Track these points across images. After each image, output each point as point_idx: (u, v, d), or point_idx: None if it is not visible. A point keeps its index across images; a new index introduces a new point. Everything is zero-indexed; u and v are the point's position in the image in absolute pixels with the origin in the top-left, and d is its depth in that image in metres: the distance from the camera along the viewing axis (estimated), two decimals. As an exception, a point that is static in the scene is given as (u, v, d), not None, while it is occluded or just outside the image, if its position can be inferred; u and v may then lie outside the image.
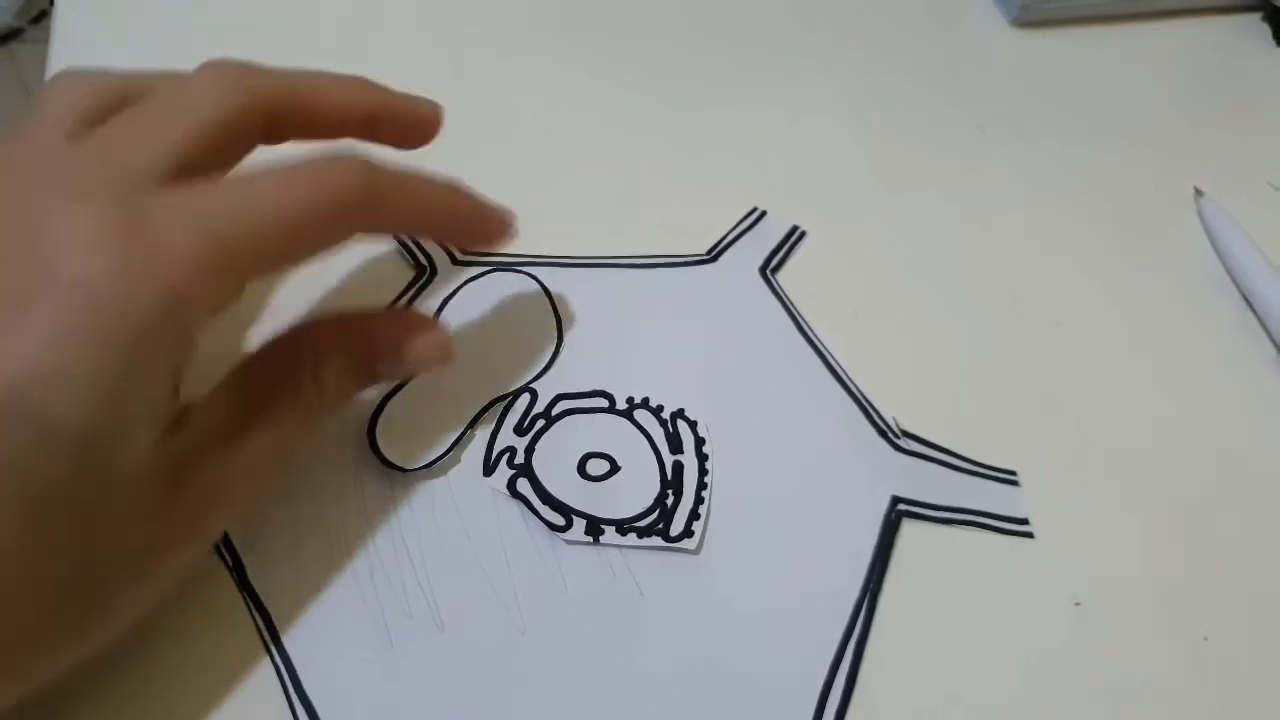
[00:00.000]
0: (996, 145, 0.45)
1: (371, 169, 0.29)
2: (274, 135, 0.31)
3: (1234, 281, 0.42)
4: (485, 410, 0.36)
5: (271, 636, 0.31)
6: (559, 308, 0.38)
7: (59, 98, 0.29)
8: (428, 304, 0.38)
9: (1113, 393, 0.39)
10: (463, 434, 0.35)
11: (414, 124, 0.34)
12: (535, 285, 0.39)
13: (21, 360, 0.23)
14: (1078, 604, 0.34)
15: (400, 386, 0.35)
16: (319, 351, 0.31)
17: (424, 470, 0.34)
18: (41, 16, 1.45)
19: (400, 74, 0.45)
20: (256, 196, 0.27)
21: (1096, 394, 0.39)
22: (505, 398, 0.36)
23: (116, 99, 0.29)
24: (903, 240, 0.42)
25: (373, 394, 0.35)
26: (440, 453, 0.34)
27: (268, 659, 0.31)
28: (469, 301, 0.38)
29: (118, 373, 0.24)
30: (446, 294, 0.38)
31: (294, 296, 0.38)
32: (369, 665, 0.31)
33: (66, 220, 0.24)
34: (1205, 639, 0.33)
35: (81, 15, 0.46)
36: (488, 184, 0.41)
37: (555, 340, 0.37)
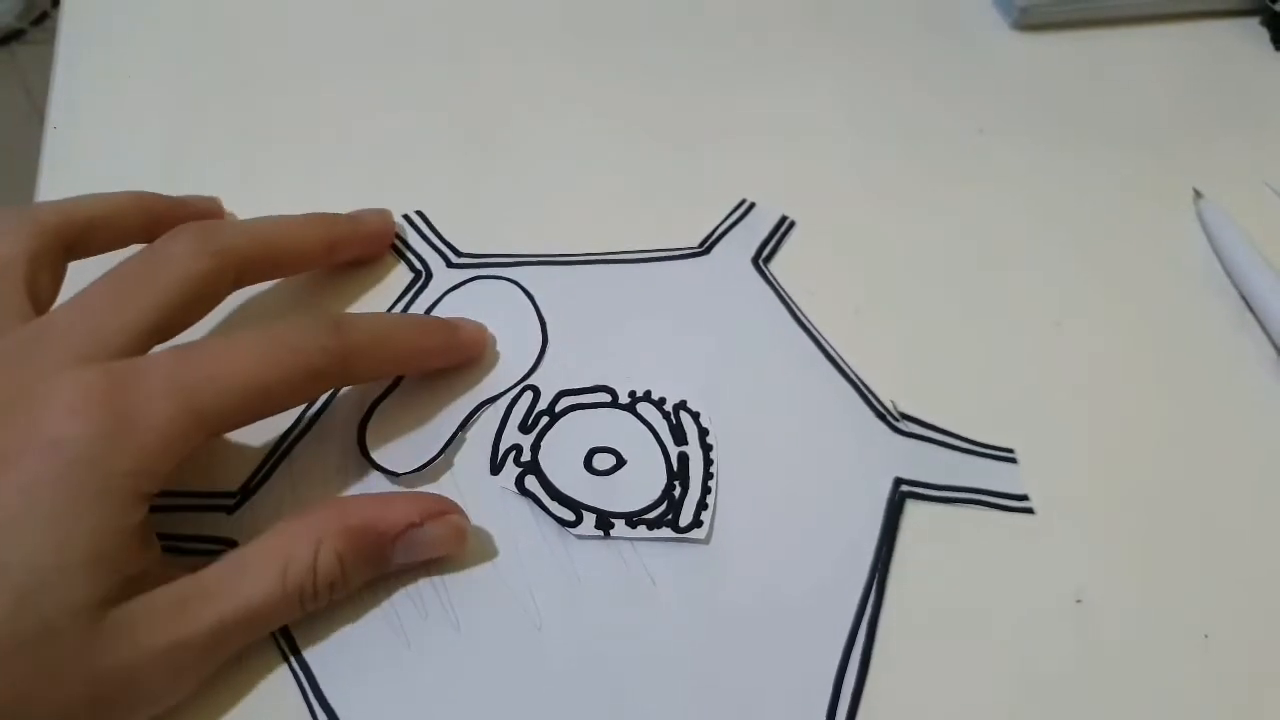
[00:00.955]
0: (996, 147, 0.46)
1: (344, 331, 0.31)
2: (245, 283, 0.34)
3: (1233, 283, 0.42)
4: (474, 413, 0.36)
5: (288, 642, 0.31)
6: (541, 309, 0.39)
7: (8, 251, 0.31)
8: (420, 309, 0.38)
9: (1113, 393, 0.39)
10: (453, 437, 0.35)
11: (369, 242, 0.39)
12: (517, 290, 0.39)
13: None
14: (1079, 601, 0.34)
15: (388, 391, 0.35)
16: (323, 535, 0.30)
17: (417, 474, 0.34)
18: (43, 18, 1.43)
19: (402, 73, 0.45)
20: (232, 366, 0.28)
21: (1097, 394, 0.39)
22: (495, 399, 0.36)
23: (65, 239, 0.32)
24: (901, 239, 0.42)
25: (360, 399, 0.35)
26: (431, 456, 0.34)
27: (285, 665, 0.31)
28: (451, 310, 0.38)
29: (74, 520, 0.25)
30: (429, 305, 0.38)
31: (294, 301, 0.38)
32: (387, 667, 0.31)
33: (55, 387, 0.26)
34: (1206, 637, 0.34)
35: (86, 17, 0.46)
36: (482, 185, 0.42)
37: (540, 341, 0.38)
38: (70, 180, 0.40)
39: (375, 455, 0.34)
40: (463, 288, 0.39)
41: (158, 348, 0.30)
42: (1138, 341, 0.41)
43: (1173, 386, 0.40)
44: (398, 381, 0.36)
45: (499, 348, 0.37)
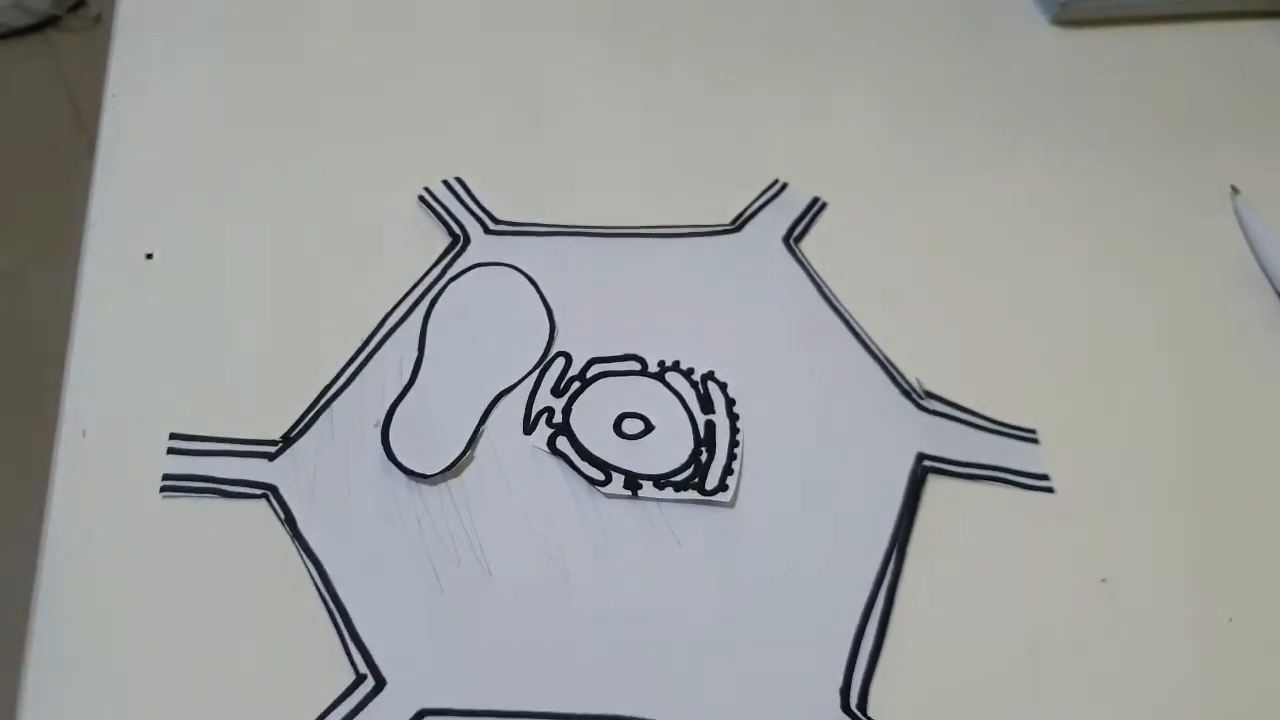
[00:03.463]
0: (1032, 140, 0.46)
1: None
2: None
3: (1268, 278, 0.43)
4: (494, 405, 0.36)
5: (325, 583, 0.32)
6: (545, 294, 0.39)
7: None
8: (456, 270, 0.39)
9: (1142, 382, 0.40)
10: (476, 431, 0.35)
11: None
12: (521, 277, 0.39)
13: None
14: (1104, 580, 0.35)
15: (405, 392, 0.36)
16: None
17: (446, 471, 0.34)
18: (80, 4, 1.45)
19: (445, 46, 0.46)
20: None
21: (1125, 382, 0.40)
22: (510, 390, 0.37)
23: None
24: (934, 226, 0.43)
25: (380, 401, 0.36)
26: (458, 453, 0.35)
27: (322, 605, 0.32)
28: (458, 301, 0.39)
29: None
30: (433, 298, 0.38)
31: (336, 261, 0.39)
32: (420, 610, 0.32)
33: None
34: (1230, 620, 0.34)
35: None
36: (521, 156, 0.43)
37: (549, 328, 0.38)
38: (128, 147, 0.42)
39: (403, 459, 0.34)
40: (465, 276, 0.39)
41: None
42: (1169, 332, 0.41)
43: (1202, 376, 0.40)
44: (413, 381, 0.36)
45: (509, 338, 0.38)
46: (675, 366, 0.38)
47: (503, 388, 0.37)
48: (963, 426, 0.38)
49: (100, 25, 1.44)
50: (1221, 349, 0.41)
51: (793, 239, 0.42)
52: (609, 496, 0.34)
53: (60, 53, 1.44)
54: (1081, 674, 0.33)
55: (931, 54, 0.49)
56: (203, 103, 0.43)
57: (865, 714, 0.32)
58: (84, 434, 0.34)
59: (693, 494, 0.35)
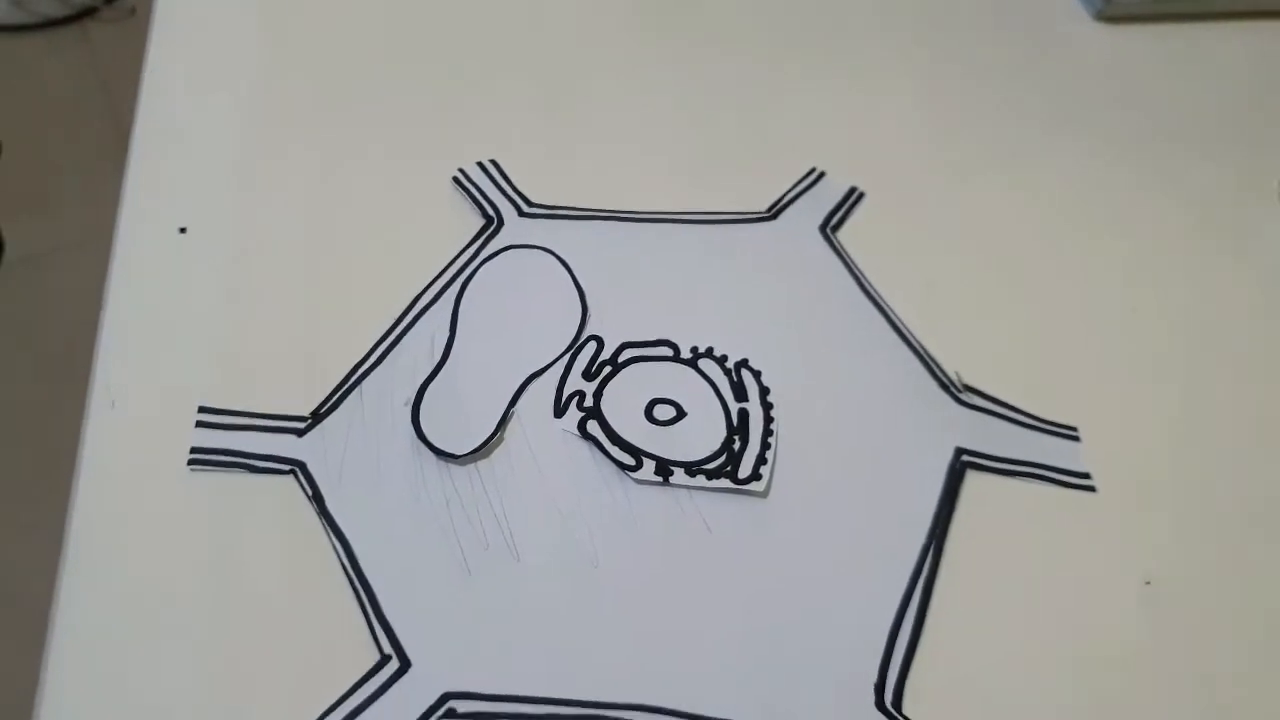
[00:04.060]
0: (1074, 135, 0.46)
1: None
2: None
3: None
4: (524, 388, 0.36)
5: (351, 562, 0.32)
6: (578, 278, 0.38)
7: None
8: (490, 251, 0.39)
9: (1185, 380, 0.39)
10: (506, 413, 0.35)
11: None
12: (554, 260, 0.39)
13: None
14: (1148, 583, 0.34)
15: (436, 372, 0.36)
16: None
17: (477, 452, 0.34)
18: None
19: (483, 44, 0.46)
20: None
21: (1168, 380, 0.39)
22: (541, 373, 0.36)
23: None
24: (974, 219, 0.43)
25: (411, 380, 0.35)
26: (488, 435, 0.34)
27: (348, 584, 0.31)
28: (490, 282, 0.38)
29: None
30: (466, 279, 0.38)
31: (369, 239, 0.39)
32: (447, 592, 0.31)
33: None
34: None
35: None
36: (557, 141, 0.43)
37: (580, 312, 0.38)
38: (164, 122, 0.41)
39: (432, 439, 0.34)
40: (498, 257, 0.39)
41: None
42: (1213, 331, 0.40)
43: (1246, 377, 0.39)
44: (444, 361, 0.36)
45: (540, 321, 0.37)
46: (708, 353, 0.37)
47: (534, 370, 0.36)
48: (1002, 422, 0.37)
49: (135, 17, 1.45)
50: (1268, 347, 0.40)
51: (829, 228, 0.41)
52: (639, 482, 0.34)
53: (96, 44, 1.45)
54: (1123, 679, 0.32)
55: (973, 48, 0.49)
56: (239, 82, 0.43)
57: (900, 712, 0.31)
58: (113, 404, 0.34)
59: (725, 482, 0.34)
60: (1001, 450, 0.36)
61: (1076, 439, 0.37)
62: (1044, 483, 0.36)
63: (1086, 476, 0.36)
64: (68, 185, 1.27)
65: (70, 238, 1.22)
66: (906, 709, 0.31)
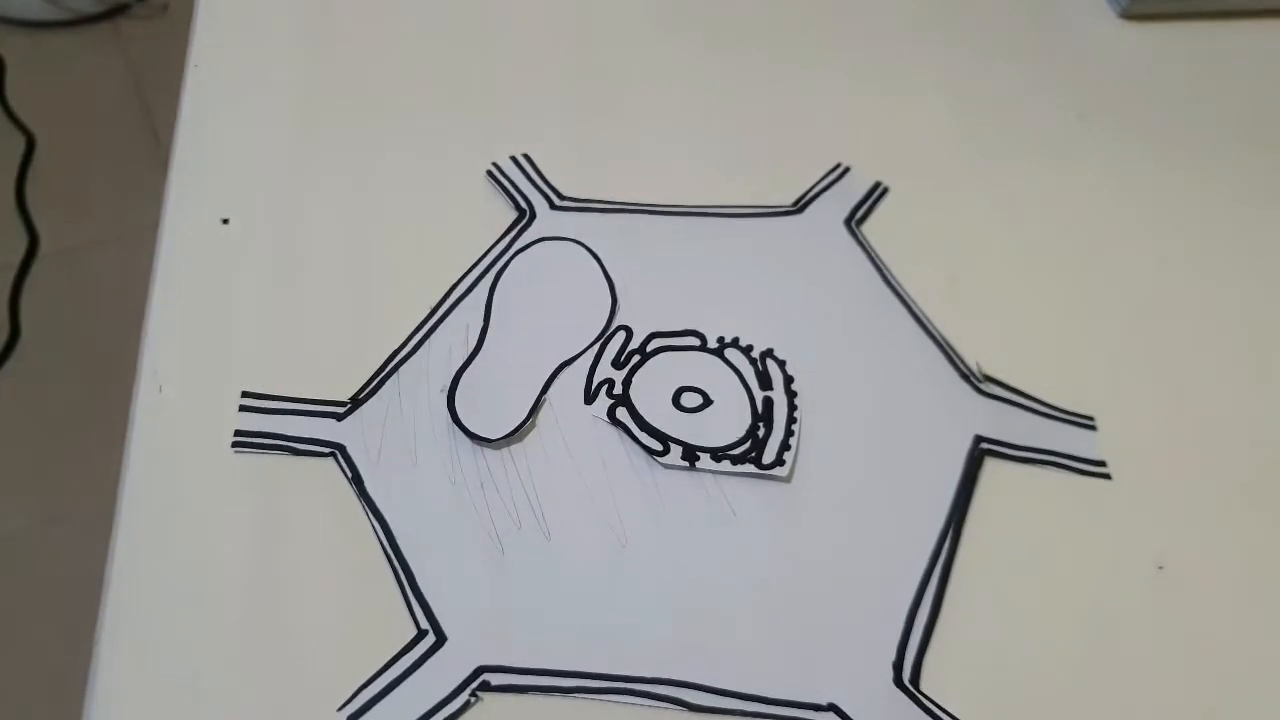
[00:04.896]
0: (1096, 134, 0.46)
1: None
2: None
3: None
4: (555, 375, 0.37)
5: (389, 541, 0.33)
6: (608, 269, 0.39)
7: None
8: (522, 243, 0.40)
9: (1203, 374, 0.39)
10: (538, 400, 0.36)
11: None
12: (584, 252, 0.40)
13: None
14: (1161, 568, 0.35)
15: (470, 360, 0.37)
16: None
17: (510, 437, 0.35)
18: None
19: (517, 40, 0.47)
20: None
21: (1186, 374, 0.39)
22: (571, 361, 0.37)
23: None
24: (997, 215, 0.43)
25: (447, 368, 0.36)
26: (520, 420, 0.35)
27: (386, 562, 0.33)
28: (523, 273, 0.39)
29: None
30: (499, 270, 0.39)
31: (406, 231, 0.40)
32: (481, 570, 0.33)
33: None
34: None
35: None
36: (587, 135, 0.44)
37: (610, 302, 0.39)
38: (208, 117, 0.43)
39: (467, 424, 0.35)
40: (530, 249, 0.40)
41: None
42: (1232, 327, 0.41)
43: (1265, 367, 0.40)
44: (479, 349, 0.37)
45: (571, 311, 0.38)
46: (734, 343, 0.38)
47: (565, 358, 0.37)
48: (1021, 411, 0.38)
49: (168, 14, 1.47)
50: (1284, 344, 0.40)
51: (854, 222, 0.42)
52: (666, 467, 0.35)
53: (128, 40, 1.47)
54: (1136, 662, 0.33)
55: (999, 45, 0.49)
56: (280, 76, 0.44)
57: (918, 688, 0.32)
58: (160, 389, 0.35)
59: (749, 467, 0.35)
60: (1019, 439, 0.37)
61: (1093, 428, 0.38)
62: (1060, 470, 0.37)
63: (1102, 465, 0.37)
64: (100, 181, 1.29)
65: (104, 233, 1.24)
66: (924, 686, 0.32)
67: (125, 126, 1.35)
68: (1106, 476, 0.37)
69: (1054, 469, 0.37)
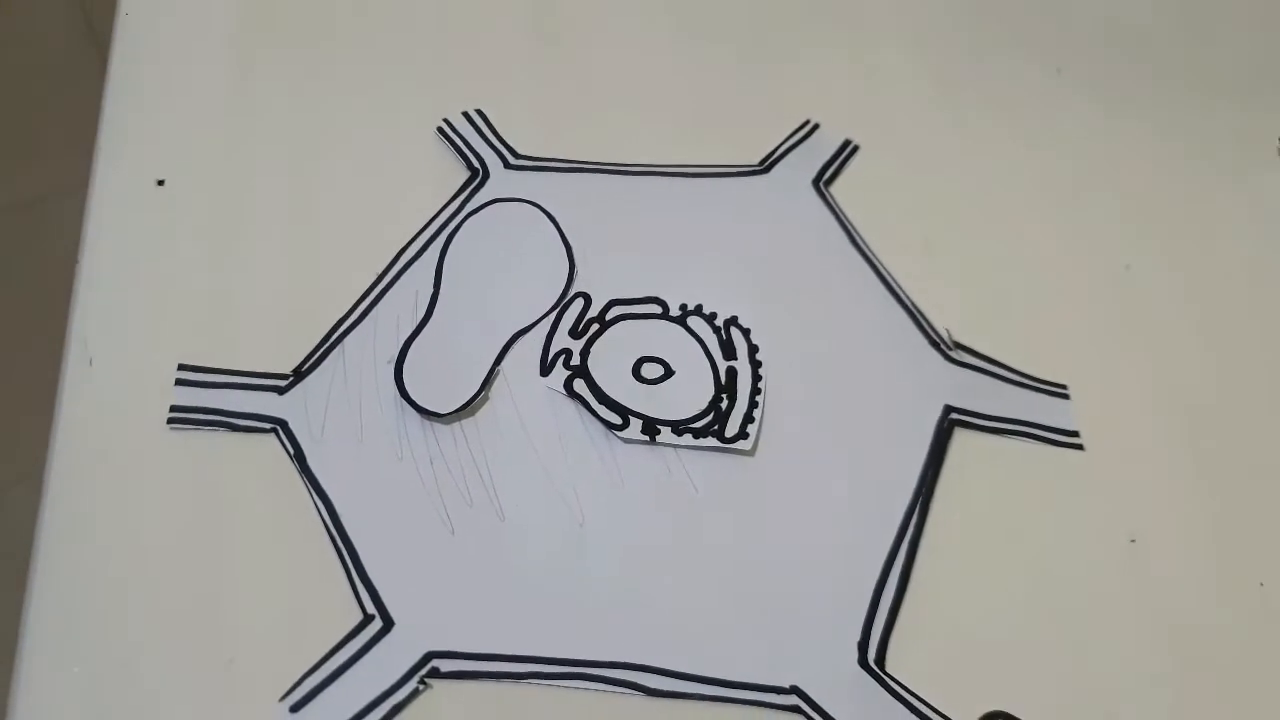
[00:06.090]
0: (1074, 89, 0.45)
1: None
2: None
3: None
4: (510, 345, 0.35)
5: (333, 521, 0.31)
6: (565, 233, 0.38)
7: None
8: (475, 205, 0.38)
9: (1178, 339, 0.38)
10: (491, 372, 0.35)
11: None
12: (540, 215, 0.38)
13: None
14: (1133, 541, 0.34)
15: (419, 329, 0.35)
16: None
17: (460, 411, 0.34)
18: None
19: (479, 2, 0.45)
20: None
21: (1161, 339, 0.38)
22: (527, 330, 0.36)
23: None
24: (971, 173, 0.42)
25: (394, 337, 0.35)
26: (472, 393, 0.34)
27: (330, 543, 0.31)
28: (475, 237, 0.38)
29: None
30: (450, 233, 0.37)
31: (352, 192, 0.38)
32: (431, 551, 0.31)
33: None
34: (1261, 585, 0.33)
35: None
36: (544, 90, 0.41)
37: (568, 268, 0.37)
38: (140, 71, 0.40)
39: (416, 397, 0.34)
40: (483, 211, 0.38)
41: None
42: (1209, 289, 0.40)
43: (1240, 336, 0.39)
44: (428, 318, 0.35)
45: (527, 277, 0.37)
46: (698, 310, 0.37)
47: (519, 327, 0.36)
48: (992, 379, 0.37)
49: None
50: (1263, 306, 0.39)
51: (823, 182, 0.41)
52: (626, 441, 0.34)
53: (90, 9, 1.42)
54: (1106, 636, 0.32)
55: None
56: (218, 27, 0.42)
57: (884, 668, 0.31)
58: (90, 363, 0.33)
59: (712, 441, 0.34)
60: (990, 408, 0.36)
61: (1066, 397, 0.37)
62: (1032, 441, 0.36)
63: (1075, 435, 0.36)
64: (53, 130, 1.25)
65: (57, 185, 1.20)
66: (890, 666, 0.31)
67: (78, 74, 1.30)
68: (1079, 447, 0.36)
69: (1026, 440, 0.36)
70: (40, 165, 1.22)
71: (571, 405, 0.34)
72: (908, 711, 0.30)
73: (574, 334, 0.36)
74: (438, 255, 0.37)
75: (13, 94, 1.29)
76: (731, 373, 0.35)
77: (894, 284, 0.38)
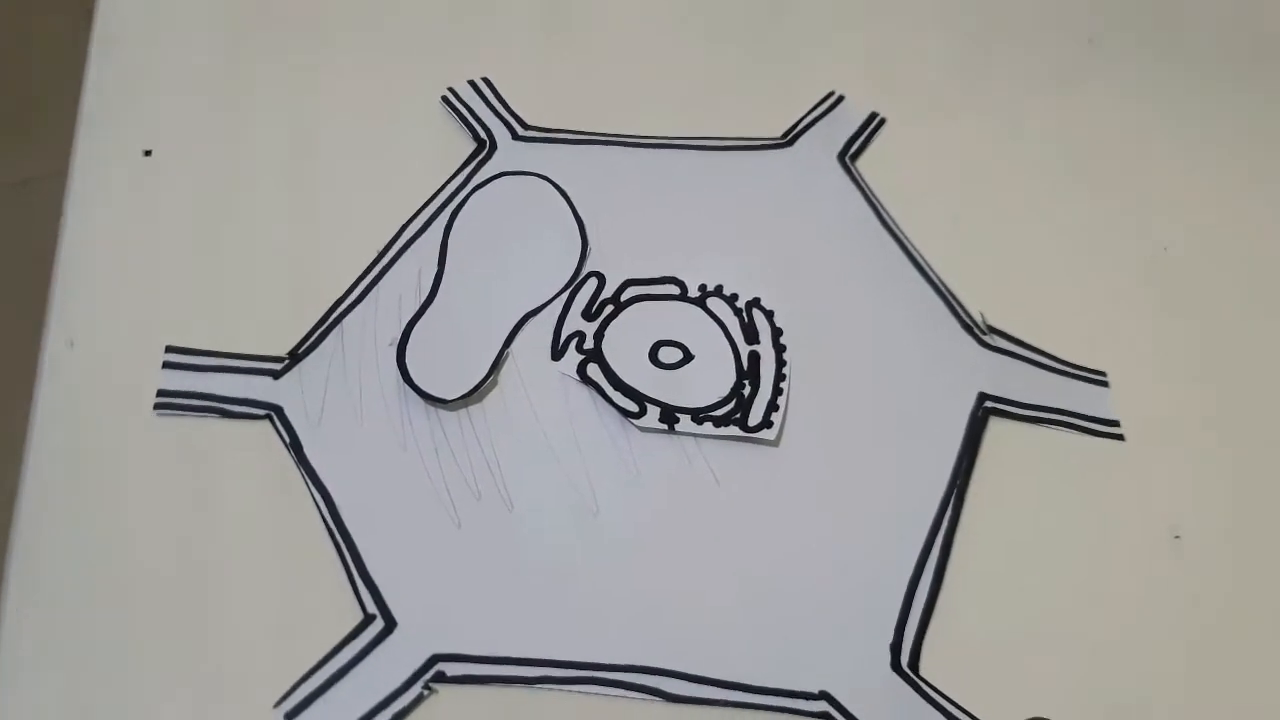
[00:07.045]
0: (1107, 60, 0.43)
1: None
2: None
3: None
4: (519, 327, 0.34)
5: (332, 514, 0.30)
6: (578, 208, 0.36)
7: None
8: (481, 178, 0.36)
9: (1221, 323, 0.37)
10: (499, 355, 0.33)
11: None
12: (551, 189, 0.37)
13: None
14: (1177, 537, 0.32)
15: (423, 310, 0.34)
16: None
17: (468, 398, 0.32)
18: None
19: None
20: None
21: (1203, 323, 0.37)
22: (537, 311, 0.34)
23: None
24: (1002, 147, 0.40)
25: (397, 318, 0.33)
26: (480, 378, 0.32)
27: (328, 538, 0.30)
28: (482, 212, 0.36)
29: None
30: (455, 208, 0.36)
31: (351, 164, 0.36)
32: (435, 546, 0.30)
33: None
34: None
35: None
36: (556, 57, 0.39)
37: (580, 246, 0.35)
38: (128, 33, 0.39)
39: (420, 382, 0.32)
40: (490, 185, 0.36)
41: None
42: (1253, 271, 0.38)
43: (1283, 319, 0.37)
44: (432, 297, 0.34)
45: (537, 255, 0.35)
46: (718, 291, 0.35)
47: (529, 309, 0.34)
48: (1028, 366, 0.35)
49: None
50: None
51: (848, 156, 0.39)
52: (642, 430, 0.32)
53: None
54: (1150, 637, 0.31)
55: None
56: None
57: (916, 673, 0.29)
58: (71, 344, 0.32)
59: (734, 430, 0.32)
60: (1026, 396, 0.34)
61: (1105, 384, 0.35)
62: (1070, 431, 0.34)
63: (1115, 424, 0.34)
64: (51, 109, 1.23)
65: (55, 165, 1.19)
66: (924, 671, 0.29)
67: (76, 51, 1.29)
68: (1120, 438, 0.34)
69: (1063, 429, 0.34)
70: (34, 147, 1.21)
71: (585, 392, 0.33)
72: (944, 719, 0.29)
73: (587, 316, 0.34)
74: (443, 231, 0.35)
75: (5, 75, 1.27)
76: (754, 357, 0.34)
77: (924, 264, 0.36)
